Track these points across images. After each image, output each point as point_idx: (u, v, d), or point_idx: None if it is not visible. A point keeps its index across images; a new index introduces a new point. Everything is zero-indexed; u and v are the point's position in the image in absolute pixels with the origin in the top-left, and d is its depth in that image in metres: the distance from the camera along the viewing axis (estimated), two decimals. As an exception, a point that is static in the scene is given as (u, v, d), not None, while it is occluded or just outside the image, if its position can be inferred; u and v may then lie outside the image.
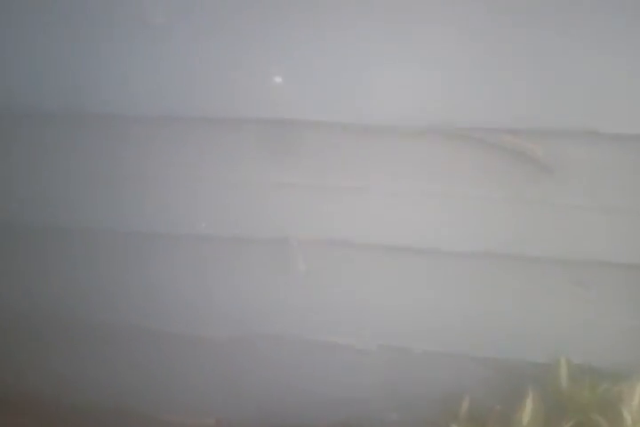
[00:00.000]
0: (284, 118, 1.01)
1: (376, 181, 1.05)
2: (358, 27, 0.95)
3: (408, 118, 0.99)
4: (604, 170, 0.99)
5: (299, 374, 1.22)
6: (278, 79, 0.98)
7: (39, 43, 1.02)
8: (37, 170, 1.13)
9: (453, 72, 0.95)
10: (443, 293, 1.12)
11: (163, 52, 0.99)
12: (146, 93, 1.02)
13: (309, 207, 1.09)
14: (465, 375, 1.16)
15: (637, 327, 1.06)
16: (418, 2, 0.92)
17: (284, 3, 0.94)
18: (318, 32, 0.96)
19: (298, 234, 1.10)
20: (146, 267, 1.17)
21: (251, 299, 1.17)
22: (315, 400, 1.19)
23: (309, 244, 1.11)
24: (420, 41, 0.95)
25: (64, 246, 1.19)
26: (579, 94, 0.94)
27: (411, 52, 0.96)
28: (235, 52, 0.99)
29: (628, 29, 0.90)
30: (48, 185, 1.14)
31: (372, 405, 1.18)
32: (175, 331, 1.22)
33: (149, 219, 1.12)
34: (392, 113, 0.99)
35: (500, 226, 1.05)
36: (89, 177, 1.11)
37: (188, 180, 1.09)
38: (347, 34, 0.95)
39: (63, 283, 1.22)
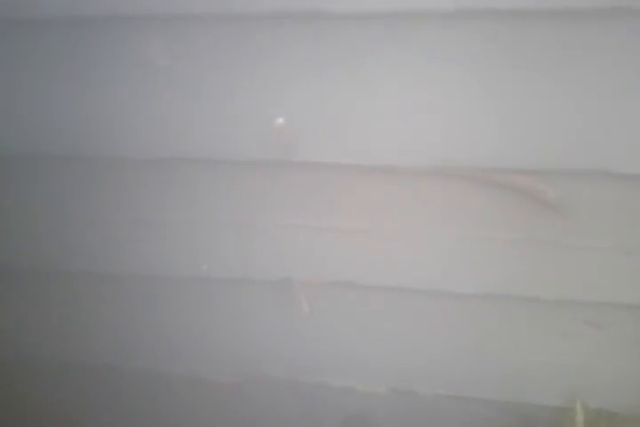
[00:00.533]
0: (285, 160, 0.98)
1: (381, 223, 1.02)
2: (360, 69, 0.92)
3: (414, 159, 0.96)
4: (617, 211, 0.95)
5: (304, 415, 1.18)
6: (280, 121, 0.95)
7: (47, 89, 1.00)
8: (40, 213, 1.11)
9: (463, 113, 0.92)
10: (453, 335, 1.08)
11: (168, 96, 0.96)
12: (148, 137, 1.00)
13: (312, 249, 1.06)
14: (478, 420, 1.12)
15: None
16: (423, 44, 0.89)
17: (288, 51, 0.92)
18: (320, 75, 0.93)
19: (300, 276, 1.07)
20: (147, 310, 1.15)
21: (254, 341, 1.14)
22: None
23: (312, 286, 1.08)
24: (430, 81, 0.92)
25: (65, 290, 1.17)
26: (590, 135, 0.91)
27: (419, 91, 0.92)
28: (237, 95, 0.96)
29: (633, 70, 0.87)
30: (51, 228, 1.11)
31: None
32: (177, 373, 1.19)
33: (150, 262, 1.10)
34: (398, 154, 0.96)
35: (510, 268, 1.01)
36: (91, 221, 1.09)
37: (189, 223, 1.06)
38: (349, 76, 0.93)
39: (64, 326, 1.19)
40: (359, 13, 0.86)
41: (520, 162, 0.94)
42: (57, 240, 1.12)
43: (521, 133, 0.93)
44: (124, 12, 0.91)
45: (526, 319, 1.06)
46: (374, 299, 1.08)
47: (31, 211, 1.11)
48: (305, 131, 0.97)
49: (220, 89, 0.95)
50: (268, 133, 0.96)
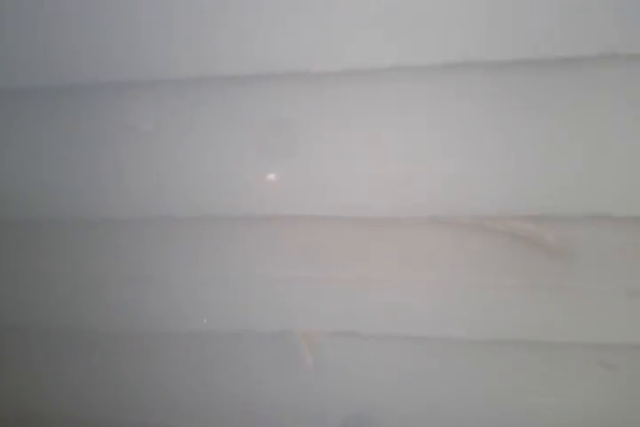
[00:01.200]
0: (280, 215, 0.97)
1: (381, 272, 1.01)
2: (352, 123, 0.92)
3: (412, 210, 0.95)
4: (619, 253, 0.94)
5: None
6: (273, 176, 0.95)
7: (36, 154, 1.01)
8: (36, 272, 1.11)
9: (458, 163, 0.92)
10: (466, 382, 1.06)
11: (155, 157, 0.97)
12: (139, 196, 0.99)
13: (313, 300, 1.04)
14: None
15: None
16: (416, 97, 0.89)
17: (272, 109, 0.92)
18: (309, 132, 0.93)
19: (302, 327, 1.06)
20: (148, 366, 1.13)
21: (259, 395, 1.12)
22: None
23: (314, 337, 1.06)
24: (424, 133, 0.91)
25: (66, 347, 1.16)
26: (587, 179, 0.90)
27: (414, 144, 0.92)
28: (226, 153, 0.96)
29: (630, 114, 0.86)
30: (49, 286, 1.11)
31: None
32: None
33: (150, 318, 1.09)
34: (395, 205, 0.95)
35: (518, 313, 1.00)
36: (88, 279, 1.08)
37: (186, 278, 1.05)
38: (339, 131, 0.92)
39: (69, 384, 1.18)
40: (341, 71, 0.86)
41: (518, 209, 0.93)
42: (54, 298, 1.12)
43: (518, 180, 0.92)
44: (105, 80, 0.92)
45: (539, 363, 1.04)
46: (379, 348, 1.06)
47: (28, 273, 1.11)
48: (301, 186, 0.96)
49: (209, 147, 0.95)
50: (262, 190, 0.96)
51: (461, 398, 1.07)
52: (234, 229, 1.02)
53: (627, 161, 0.88)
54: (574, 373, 1.03)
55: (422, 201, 0.95)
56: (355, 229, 0.99)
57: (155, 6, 0.88)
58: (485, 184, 0.92)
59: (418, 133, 0.92)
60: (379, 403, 1.08)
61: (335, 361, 1.08)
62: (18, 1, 0.89)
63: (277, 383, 1.10)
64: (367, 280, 1.02)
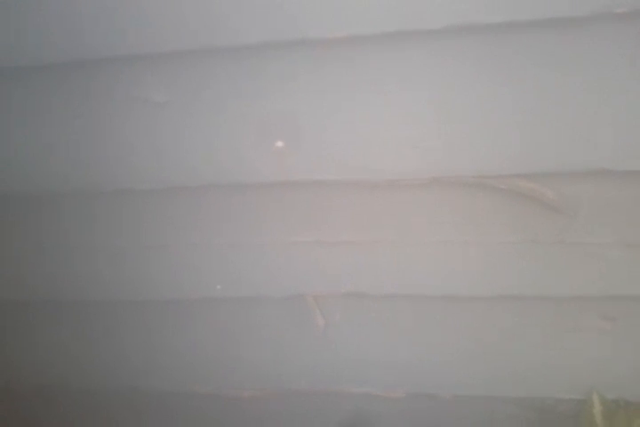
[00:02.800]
0: (293, 180, 1.00)
1: (389, 234, 1.04)
2: (359, 84, 0.94)
3: (416, 171, 0.98)
4: (619, 207, 0.97)
5: (328, 424, 1.21)
6: (281, 144, 0.97)
7: (50, 130, 1.03)
8: (52, 246, 1.13)
9: (459, 123, 0.94)
10: (468, 337, 1.10)
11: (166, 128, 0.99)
12: (153, 167, 1.02)
13: (323, 264, 1.08)
14: (499, 417, 1.15)
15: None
16: (417, 60, 0.91)
17: (287, 71, 0.94)
18: (315, 98, 0.95)
19: (313, 290, 1.10)
20: (169, 333, 1.17)
21: (274, 356, 1.16)
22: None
23: (325, 299, 1.10)
24: (425, 93, 0.94)
25: (85, 318, 1.20)
26: (586, 135, 0.93)
27: (416, 105, 0.94)
28: (235, 119, 0.98)
29: (633, 64, 0.88)
30: (63, 259, 1.14)
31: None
32: (201, 392, 1.21)
33: (165, 286, 1.12)
34: (399, 167, 0.98)
35: (519, 269, 1.04)
36: (105, 250, 1.11)
37: (200, 246, 1.08)
38: (349, 93, 0.94)
39: (87, 353, 1.22)
40: (343, 38, 0.88)
41: (519, 167, 0.96)
42: (71, 271, 1.15)
43: (518, 139, 0.94)
44: (117, 54, 0.94)
45: (539, 317, 1.08)
46: (387, 308, 1.10)
47: (42, 244, 1.13)
48: (307, 152, 0.99)
49: (217, 117, 0.98)
50: (270, 157, 0.98)
51: (466, 354, 1.12)
52: (244, 196, 1.05)
53: (624, 117, 0.91)
54: (575, 326, 1.07)
55: (425, 162, 0.98)
56: (360, 193, 1.02)
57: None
58: (486, 143, 0.95)
59: (419, 96, 0.94)
60: (387, 357, 1.13)
61: (346, 321, 1.12)
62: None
63: (290, 345, 1.14)
64: (375, 242, 1.05)
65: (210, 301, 1.13)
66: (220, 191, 1.04)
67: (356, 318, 1.12)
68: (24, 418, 1.29)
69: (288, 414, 1.20)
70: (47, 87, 0.99)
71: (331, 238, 1.06)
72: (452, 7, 0.86)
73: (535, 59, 0.89)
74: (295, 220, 1.05)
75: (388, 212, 1.03)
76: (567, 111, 0.92)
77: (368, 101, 0.95)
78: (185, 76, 0.95)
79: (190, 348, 1.18)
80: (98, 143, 1.02)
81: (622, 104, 0.90)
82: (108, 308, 1.17)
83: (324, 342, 1.14)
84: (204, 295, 1.13)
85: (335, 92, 0.94)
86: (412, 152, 0.97)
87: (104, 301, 1.16)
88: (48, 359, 1.24)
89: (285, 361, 1.16)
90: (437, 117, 0.95)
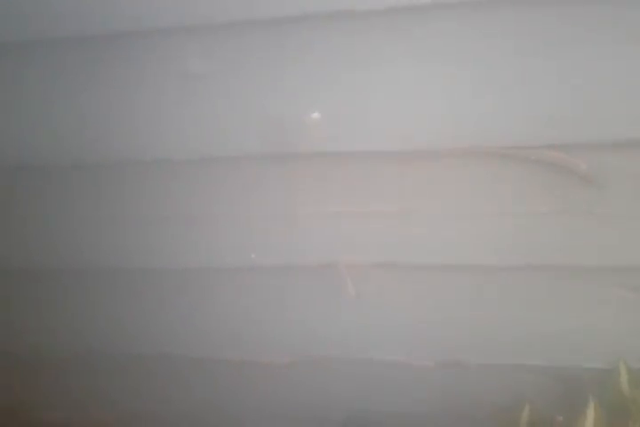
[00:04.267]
0: (327, 151, 1.02)
1: (421, 204, 1.06)
2: (398, 56, 0.96)
3: (448, 142, 1.00)
4: (649, 178, 0.98)
5: (360, 391, 1.24)
6: (317, 115, 0.99)
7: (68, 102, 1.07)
8: (68, 216, 1.17)
9: (492, 95, 0.96)
10: (497, 306, 1.13)
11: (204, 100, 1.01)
12: (191, 137, 1.05)
13: (355, 234, 1.10)
14: (524, 386, 1.17)
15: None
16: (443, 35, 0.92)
17: (317, 50, 0.96)
18: (344, 70, 0.97)
19: (345, 260, 1.12)
20: (206, 300, 1.21)
21: (306, 323, 1.19)
22: (378, 416, 1.22)
23: (357, 268, 1.13)
24: (459, 65, 0.95)
25: (109, 286, 1.24)
26: (617, 105, 0.94)
27: (447, 78, 0.96)
28: (270, 90, 1.00)
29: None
30: (84, 228, 1.18)
31: (434, 419, 1.20)
32: (237, 358, 1.25)
33: (204, 255, 1.16)
34: (432, 138, 1.00)
35: (548, 239, 1.05)
36: (132, 219, 1.15)
37: (235, 216, 1.11)
38: (386, 65, 0.96)
39: (112, 320, 1.27)
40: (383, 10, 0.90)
41: (551, 137, 0.98)
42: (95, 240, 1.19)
43: (550, 110, 0.96)
44: (151, 25, 0.96)
45: (567, 287, 1.10)
46: (418, 278, 1.13)
47: (49, 214, 1.17)
48: (343, 123, 1.01)
49: (250, 90, 1.00)
50: (308, 127, 1.01)
51: (494, 323, 1.14)
52: (279, 167, 1.07)
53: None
54: (601, 296, 1.09)
55: (459, 134, 0.99)
56: (393, 164, 1.05)
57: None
58: (518, 115, 0.96)
59: (453, 69, 0.96)
60: (417, 327, 1.15)
61: (375, 290, 1.15)
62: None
63: (322, 313, 1.17)
64: (408, 212, 1.07)
65: (245, 269, 1.16)
66: (255, 162, 1.06)
67: (387, 288, 1.15)
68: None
69: (319, 380, 1.24)
70: (87, 59, 1.02)
71: (363, 209, 1.08)
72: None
73: (563, 31, 0.91)
74: (328, 191, 1.08)
75: (420, 183, 1.05)
76: (596, 83, 0.93)
77: (405, 74, 0.97)
78: (223, 48, 0.97)
79: (224, 315, 1.22)
80: (136, 114, 1.05)
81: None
82: (146, 275, 1.21)
83: (354, 311, 1.16)
84: (240, 264, 1.16)
85: (371, 65, 0.96)
86: (445, 124, 0.99)
87: (147, 268, 1.20)
88: (71, 326, 1.29)
89: (317, 329, 1.19)
90: (471, 91, 0.97)
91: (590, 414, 1.04)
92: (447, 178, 1.04)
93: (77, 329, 1.29)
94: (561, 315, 1.12)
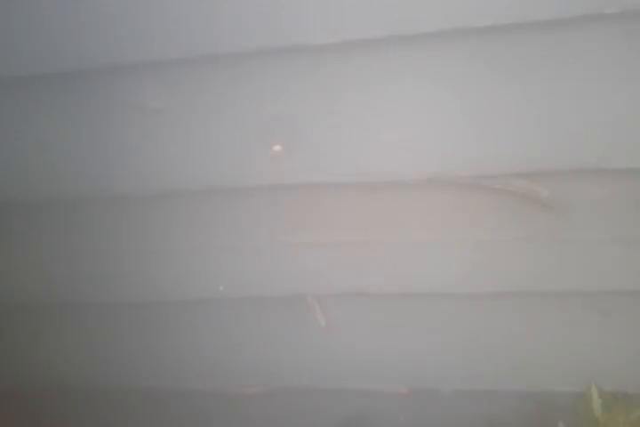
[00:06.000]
0: (290, 183, 1.02)
1: (385, 234, 1.06)
2: (353, 89, 0.96)
3: (410, 173, 1.00)
4: (611, 204, 0.99)
5: (325, 418, 1.24)
6: (279, 147, 0.99)
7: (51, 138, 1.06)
8: (55, 251, 1.17)
9: (453, 125, 0.96)
10: (466, 333, 1.13)
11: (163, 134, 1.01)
12: (150, 172, 1.04)
13: (322, 264, 1.10)
14: (500, 410, 1.17)
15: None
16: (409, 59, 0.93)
17: (273, 85, 0.96)
18: (314, 98, 0.97)
19: (314, 290, 1.12)
20: (173, 333, 1.20)
21: (275, 354, 1.19)
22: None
23: (324, 298, 1.13)
24: (418, 96, 0.95)
25: (87, 320, 1.23)
26: (579, 133, 0.94)
27: (408, 108, 0.96)
28: (231, 125, 1.00)
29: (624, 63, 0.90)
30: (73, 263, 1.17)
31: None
32: (202, 389, 1.24)
33: (171, 289, 1.15)
34: (394, 169, 1.00)
35: (514, 265, 1.05)
36: (113, 254, 1.15)
37: (203, 249, 1.11)
38: (343, 97, 0.96)
39: (89, 354, 1.25)
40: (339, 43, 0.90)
41: (513, 166, 0.98)
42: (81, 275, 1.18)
43: (511, 139, 0.96)
44: (112, 62, 0.96)
45: (536, 312, 1.10)
46: (386, 306, 1.12)
47: (48, 249, 1.16)
48: (305, 155, 1.00)
49: (222, 123, 1.00)
50: (269, 160, 1.00)
51: (465, 350, 1.14)
52: (243, 199, 1.07)
53: (615, 117, 0.92)
54: (571, 320, 1.09)
55: (421, 164, 0.99)
56: (358, 194, 1.04)
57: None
58: (480, 144, 0.96)
59: (413, 98, 0.96)
60: (388, 354, 1.15)
61: (345, 320, 1.14)
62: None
63: (292, 343, 1.17)
64: (373, 242, 1.07)
65: (213, 301, 1.15)
66: (219, 195, 1.06)
67: (356, 317, 1.14)
68: (27, 419, 1.33)
69: (289, 410, 1.23)
70: (47, 96, 1.01)
71: (329, 239, 1.08)
72: (443, 12, 0.87)
73: (527, 60, 0.91)
74: (294, 221, 1.08)
75: (385, 212, 1.05)
76: (558, 111, 0.93)
77: (362, 104, 0.97)
78: (181, 83, 0.97)
79: (193, 347, 1.21)
80: (98, 150, 1.04)
81: (613, 104, 0.92)
82: (110, 309, 1.20)
83: (324, 340, 1.16)
84: (208, 296, 1.15)
85: (329, 97, 0.96)
86: (407, 154, 0.99)
87: (106, 302, 1.19)
88: (55, 361, 1.27)
89: (287, 359, 1.18)
90: (432, 119, 0.96)
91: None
92: (411, 207, 1.04)
93: (49, 362, 1.28)
94: (531, 340, 1.12)
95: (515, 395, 1.16)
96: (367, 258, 1.08)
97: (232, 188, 1.04)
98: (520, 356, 1.13)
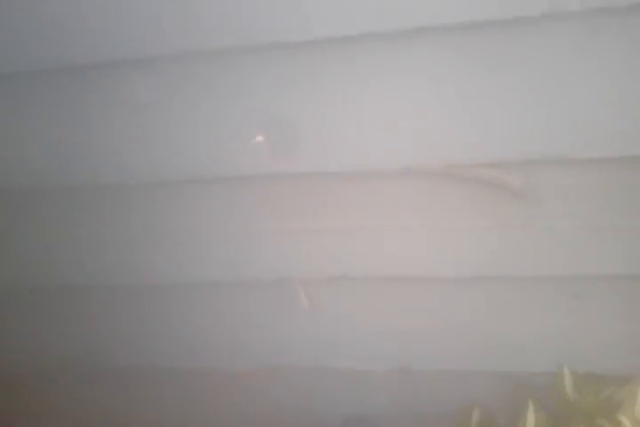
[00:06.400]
0: (272, 172, 1.07)
1: (366, 221, 1.11)
2: (331, 83, 1.00)
3: (388, 163, 1.05)
4: (579, 192, 1.03)
5: (313, 398, 1.30)
6: (260, 138, 1.05)
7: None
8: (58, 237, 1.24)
9: (427, 117, 1.01)
10: (444, 315, 1.18)
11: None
12: (145, 164, 1.10)
13: (308, 249, 1.15)
14: (476, 390, 1.22)
15: (630, 333, 1.11)
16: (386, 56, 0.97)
17: (258, 79, 1.01)
18: (290, 91, 1.02)
19: (299, 274, 1.17)
20: (166, 315, 1.26)
21: (263, 335, 1.25)
22: (331, 422, 1.28)
23: (309, 282, 1.18)
24: (393, 89, 1.00)
25: (91, 302, 1.31)
26: (548, 125, 0.98)
27: (385, 100, 1.01)
28: (225, 115, 1.06)
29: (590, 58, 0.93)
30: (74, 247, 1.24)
31: (387, 423, 1.25)
32: (197, 368, 1.31)
33: (164, 273, 1.22)
34: (373, 159, 1.05)
35: (488, 251, 1.10)
36: (109, 239, 1.22)
37: (192, 235, 1.17)
38: (318, 89, 1.01)
39: (91, 335, 1.33)
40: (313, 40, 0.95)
41: (485, 156, 1.02)
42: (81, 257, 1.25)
43: (483, 130, 1.00)
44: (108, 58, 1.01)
45: (510, 296, 1.15)
46: (367, 290, 1.18)
47: (51, 235, 1.23)
48: (285, 145, 1.06)
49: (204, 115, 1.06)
50: (251, 151, 1.06)
51: (443, 331, 1.19)
52: (228, 188, 1.13)
53: (579, 109, 0.96)
54: (544, 303, 1.14)
55: (399, 153, 1.04)
56: (340, 183, 1.10)
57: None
58: (452, 135, 1.01)
59: (386, 90, 1.00)
60: (369, 335, 1.20)
61: (328, 302, 1.20)
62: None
63: (278, 324, 1.22)
64: (354, 228, 1.12)
65: (204, 284, 1.21)
66: (204, 184, 1.11)
67: (339, 299, 1.20)
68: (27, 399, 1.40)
69: (276, 387, 1.29)
70: (41, 91, 1.07)
71: (313, 225, 1.13)
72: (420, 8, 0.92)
73: (498, 56, 0.95)
74: (279, 209, 1.13)
75: (365, 200, 1.10)
76: (528, 104, 0.98)
77: (337, 96, 1.02)
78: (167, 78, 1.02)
79: (188, 328, 1.27)
80: (91, 140, 1.10)
81: (580, 97, 0.96)
82: (109, 292, 1.27)
83: (308, 322, 1.22)
84: (198, 279, 1.21)
85: (309, 90, 1.01)
86: (383, 145, 1.04)
87: (108, 285, 1.26)
88: (54, 343, 1.34)
89: (274, 340, 1.24)
90: (405, 111, 1.01)
91: (531, 417, 1.09)
92: (391, 195, 1.08)
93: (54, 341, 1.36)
94: (506, 322, 1.16)
95: (490, 375, 1.21)
96: (348, 244, 1.13)
97: (220, 178, 1.09)
98: (495, 338, 1.18)
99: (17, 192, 1.19)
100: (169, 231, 1.18)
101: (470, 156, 1.02)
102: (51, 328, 1.33)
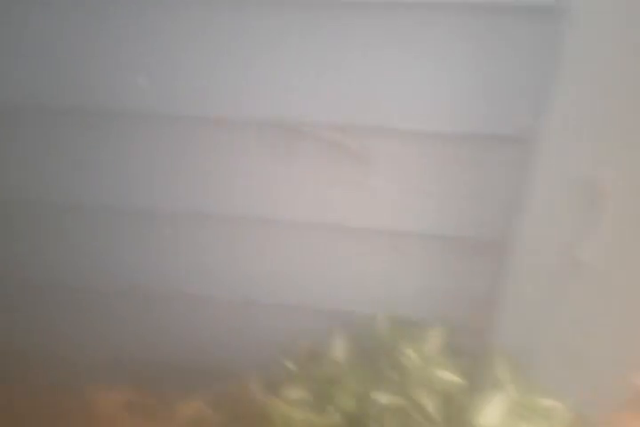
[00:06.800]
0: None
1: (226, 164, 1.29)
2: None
3: (247, 112, 1.22)
4: (402, 159, 1.23)
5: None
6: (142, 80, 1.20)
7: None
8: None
9: (287, 75, 1.18)
10: (285, 257, 1.37)
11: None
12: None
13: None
14: (301, 324, 1.43)
15: (434, 285, 1.35)
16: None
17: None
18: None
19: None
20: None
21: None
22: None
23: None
24: (271, 51, 1.17)
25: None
26: (379, 97, 1.17)
27: (250, 58, 1.17)
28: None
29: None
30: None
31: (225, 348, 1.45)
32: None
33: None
34: (229, 113, 1.22)
35: (325, 201, 1.29)
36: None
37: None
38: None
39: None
40: None
41: (332, 120, 1.20)
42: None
43: (331, 94, 1.18)
44: None
45: (339, 243, 1.34)
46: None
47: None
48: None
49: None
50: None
51: (282, 271, 1.39)
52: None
53: (402, 84, 1.15)
54: (373, 254, 1.34)
55: (257, 106, 1.22)
56: (201, 129, 1.27)
57: None
58: (304, 96, 1.18)
59: (252, 52, 1.17)
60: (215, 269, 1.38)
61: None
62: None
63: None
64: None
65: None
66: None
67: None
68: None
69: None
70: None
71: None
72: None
73: (355, 31, 1.13)
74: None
75: (221, 151, 1.28)
76: (368, 78, 1.16)
77: (212, 50, 1.18)
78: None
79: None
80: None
81: (405, 77, 1.15)
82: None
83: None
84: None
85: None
86: (245, 99, 1.21)
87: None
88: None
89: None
90: (274, 70, 1.18)
91: (339, 344, 1.30)
92: (248, 147, 1.26)
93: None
94: (338, 260, 1.36)
95: (322, 313, 1.41)
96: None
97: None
98: (330, 280, 1.38)
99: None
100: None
101: (320, 118, 1.21)
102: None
